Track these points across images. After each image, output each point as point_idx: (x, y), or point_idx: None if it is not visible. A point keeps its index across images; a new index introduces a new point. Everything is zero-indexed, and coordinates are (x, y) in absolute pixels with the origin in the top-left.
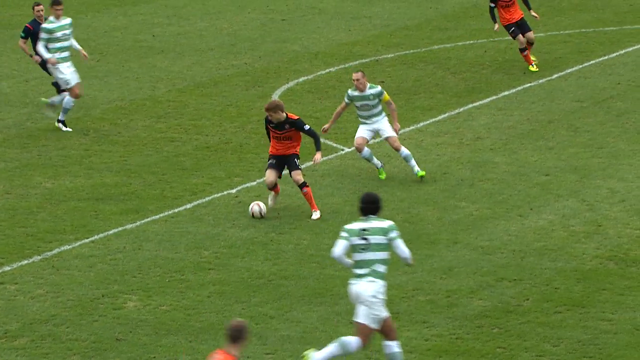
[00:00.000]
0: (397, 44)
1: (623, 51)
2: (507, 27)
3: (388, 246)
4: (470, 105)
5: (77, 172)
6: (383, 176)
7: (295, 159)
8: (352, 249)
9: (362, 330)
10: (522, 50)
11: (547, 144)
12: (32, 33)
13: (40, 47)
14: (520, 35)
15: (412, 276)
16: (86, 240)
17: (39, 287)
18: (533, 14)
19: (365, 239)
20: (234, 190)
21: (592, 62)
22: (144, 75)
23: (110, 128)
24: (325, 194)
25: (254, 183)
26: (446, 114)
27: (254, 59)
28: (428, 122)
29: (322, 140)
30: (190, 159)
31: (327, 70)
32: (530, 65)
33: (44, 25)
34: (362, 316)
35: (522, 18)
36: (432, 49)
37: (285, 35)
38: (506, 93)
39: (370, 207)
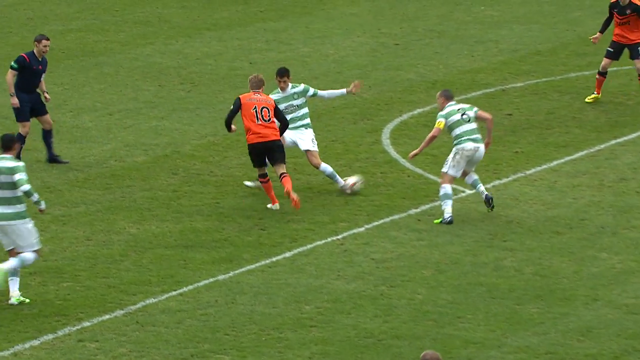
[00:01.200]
0: (528, 71)
1: None
2: (610, 44)
3: None
4: (613, 142)
5: (165, 216)
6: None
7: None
8: None
9: None
10: (601, 73)
11: None
12: (25, 67)
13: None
14: (608, 60)
15: (544, 337)
16: (174, 293)
17: (122, 345)
18: None
19: None
20: (339, 237)
21: None
22: None
23: (202, 166)
24: (443, 242)
25: (362, 229)
26: (584, 152)
27: (363, 88)
28: (563, 160)
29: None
30: (290, 201)
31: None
32: (593, 95)
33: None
34: None
35: (637, 43)
36: (568, 76)
37: (398, 61)
38: None
39: None
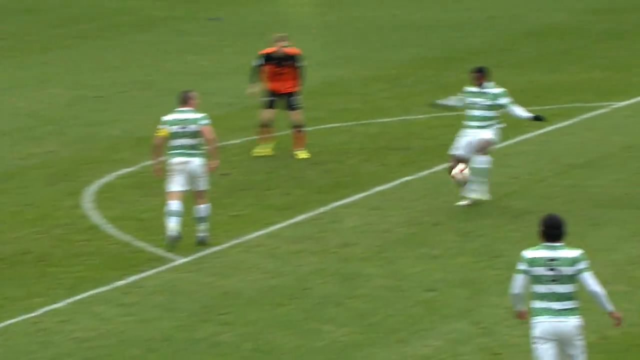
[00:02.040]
0: (245, 126)
1: (519, 138)
2: (266, 94)
3: (576, 278)
4: (336, 204)
5: None
6: None
7: None
8: (534, 280)
9: None
10: (263, 125)
11: (432, 252)
12: None
13: None
14: (269, 111)
15: None
16: None
17: None
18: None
19: (553, 269)
20: (34, 314)
21: None
22: None
23: None
24: (154, 317)
25: (61, 304)
26: (306, 215)
27: (61, 145)
28: (284, 224)
29: (150, 249)
30: None
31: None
32: (260, 147)
33: None
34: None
35: (292, 93)
36: (287, 133)
37: (101, 116)
38: (380, 188)
39: (554, 232)
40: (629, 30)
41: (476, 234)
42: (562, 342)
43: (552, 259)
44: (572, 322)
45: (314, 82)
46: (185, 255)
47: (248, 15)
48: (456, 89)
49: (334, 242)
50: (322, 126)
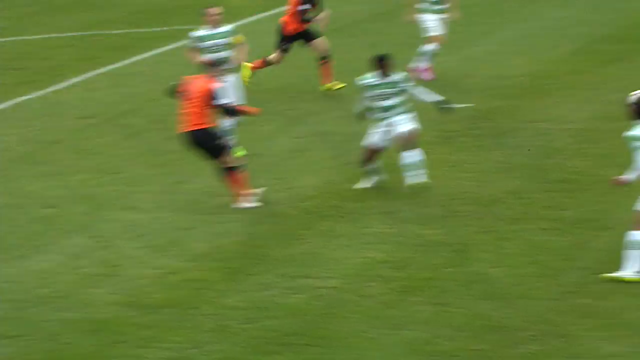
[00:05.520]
0: None
1: (135, 58)
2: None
3: None
4: None
5: None
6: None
7: None
8: None
9: None
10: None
11: (51, 170)
12: None
13: None
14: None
15: None
16: None
17: None
18: None
19: None
20: None
21: (99, 70)
22: None
23: None
24: None
25: None
26: None
27: None
28: None
29: None
30: None
31: None
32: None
33: None
34: None
35: None
36: None
37: None
38: None
39: None
40: None
41: (94, 152)
42: None
43: None
44: None
45: None
46: None
47: None
48: (74, 8)
49: None
50: None
